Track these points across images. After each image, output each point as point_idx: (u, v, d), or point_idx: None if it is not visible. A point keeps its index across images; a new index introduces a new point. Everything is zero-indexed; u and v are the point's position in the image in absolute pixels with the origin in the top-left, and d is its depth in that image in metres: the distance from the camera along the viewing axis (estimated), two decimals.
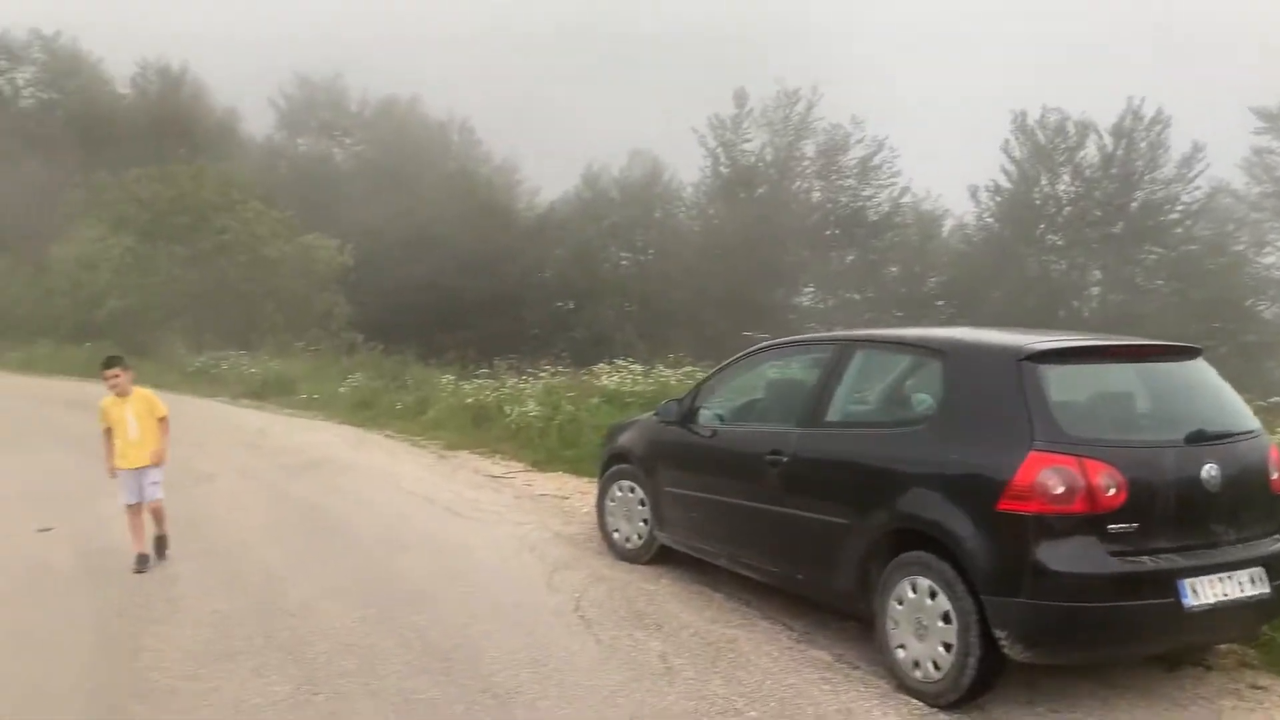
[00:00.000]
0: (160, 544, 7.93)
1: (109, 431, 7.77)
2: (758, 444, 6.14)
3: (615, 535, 7.66)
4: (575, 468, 11.41)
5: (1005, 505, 4.61)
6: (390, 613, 6.59)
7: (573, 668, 5.55)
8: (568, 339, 28.14)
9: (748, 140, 41.80)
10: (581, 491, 10.31)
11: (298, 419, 16.50)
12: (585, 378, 14.70)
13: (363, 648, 5.98)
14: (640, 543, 7.40)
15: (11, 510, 10.13)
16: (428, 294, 36.76)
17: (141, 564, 7.66)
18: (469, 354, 18.13)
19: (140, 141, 37.42)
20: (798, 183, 42.33)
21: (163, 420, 7.87)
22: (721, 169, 42.39)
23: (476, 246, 39.65)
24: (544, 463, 11.79)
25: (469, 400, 14.86)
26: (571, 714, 4.95)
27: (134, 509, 7.78)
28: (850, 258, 42.47)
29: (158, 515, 7.91)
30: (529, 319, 39.11)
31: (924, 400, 5.58)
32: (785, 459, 5.83)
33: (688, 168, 45.00)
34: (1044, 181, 41.30)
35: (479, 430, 13.80)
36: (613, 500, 7.68)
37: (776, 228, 39.95)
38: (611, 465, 7.80)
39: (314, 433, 15.02)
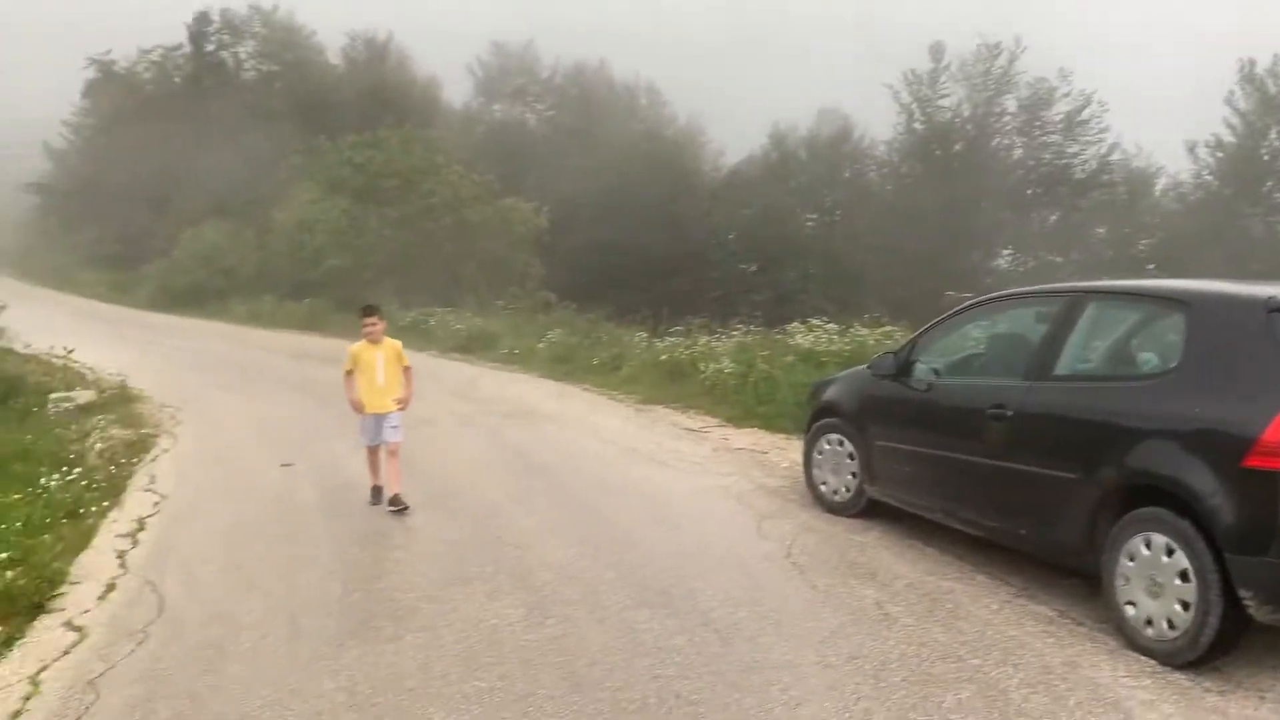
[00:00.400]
0: (393, 499, 8.00)
1: (351, 374, 8.31)
2: (978, 398, 6.06)
3: (822, 488, 7.71)
4: (770, 424, 11.48)
5: (1253, 461, 4.42)
6: (605, 550, 6.90)
7: (789, 609, 5.68)
8: (750, 301, 28.02)
9: (945, 95, 40.32)
10: (779, 447, 10.38)
11: (501, 372, 17.23)
12: (778, 337, 14.69)
13: (584, 580, 6.29)
14: (848, 496, 7.43)
15: (254, 448, 11.08)
16: (613, 256, 37.44)
17: (375, 496, 8.26)
18: (660, 313, 18.39)
19: (351, 110, 39.49)
20: (997, 139, 40.51)
21: (407, 370, 8.43)
22: (916, 126, 41.06)
23: (662, 208, 40.02)
24: (739, 419, 11.91)
25: (663, 357, 15.13)
26: (791, 651, 5.07)
27: (371, 450, 8.38)
28: (1053, 218, 40.44)
29: (394, 459, 8.22)
30: (711, 281, 39.18)
31: (1162, 353, 5.38)
32: (1009, 413, 5.73)
33: (880, 125, 43.89)
34: (1273, 135, 38.13)
35: (673, 386, 14.04)
36: (820, 453, 7.72)
37: (973, 187, 38.48)
38: (819, 419, 7.83)
39: (518, 385, 15.66)
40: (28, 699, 4.96)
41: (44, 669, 5.30)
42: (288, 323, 25.79)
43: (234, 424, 12.58)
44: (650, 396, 13.68)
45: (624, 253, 37.69)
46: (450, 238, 27.30)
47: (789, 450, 10.12)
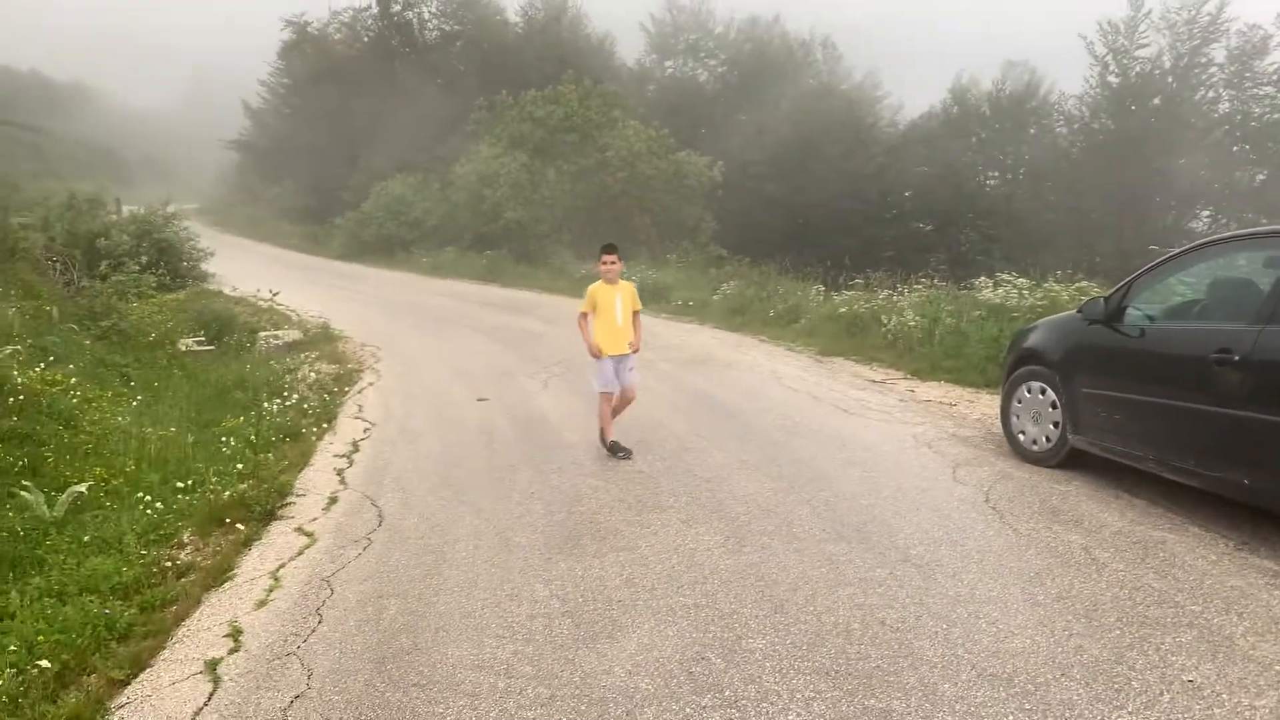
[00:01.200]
0: (614, 448, 8.03)
1: (586, 315, 8.22)
2: (1200, 343, 5.77)
3: (1020, 437, 7.52)
4: (958, 378, 11.23)
5: None
6: (797, 487, 6.95)
7: (991, 549, 5.61)
8: (926, 261, 27.20)
9: (1143, 45, 37.72)
10: (968, 400, 10.16)
11: (676, 323, 17.39)
12: (965, 291, 14.27)
13: (778, 513, 6.37)
14: (1048, 446, 7.22)
15: (450, 384, 11.59)
16: (785, 213, 37.07)
17: (615, 451, 7.99)
18: (836, 268, 18.15)
19: (529, 69, 40.29)
20: (1201, 92, 37.70)
21: (637, 314, 8.29)
22: (1111, 78, 38.63)
23: (836, 165, 39.28)
24: (924, 372, 11.69)
25: (841, 310, 14.94)
26: (997, 588, 5.02)
27: (606, 398, 8.15)
28: (1261, 177, 37.51)
29: (628, 405, 8.29)
30: (885, 241, 38.22)
31: None
32: (1236, 358, 5.44)
33: (1069, 79, 41.66)
34: None
35: (853, 339, 13.87)
36: (1019, 402, 7.52)
37: (1172, 143, 36.08)
38: (1019, 367, 7.61)
39: (694, 335, 15.79)
40: (271, 590, 5.42)
41: (282, 566, 5.78)
42: (468, 273, 26.73)
43: (430, 362, 13.18)
44: (829, 348, 13.57)
45: (795, 209, 37.29)
46: (625, 191, 27.61)
47: (979, 404, 9.91)
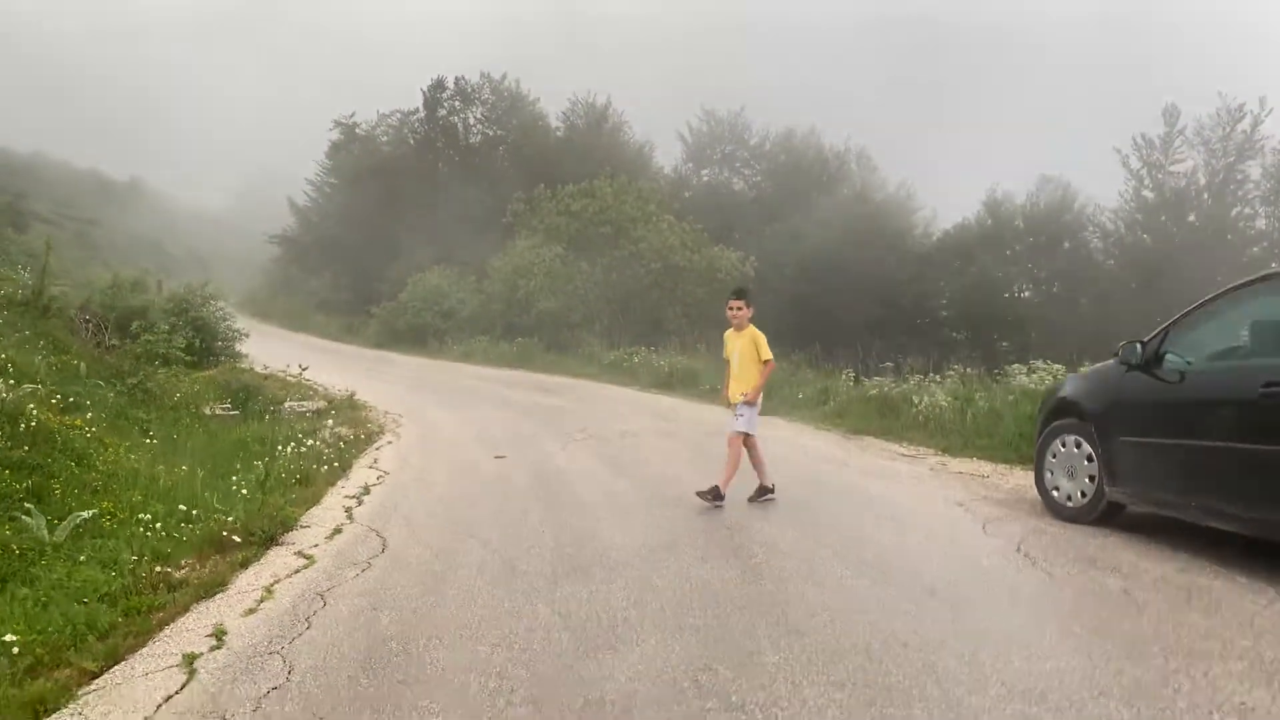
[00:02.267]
0: (760, 491, 7.88)
1: (728, 361, 8.15)
2: (1245, 380, 5.50)
3: (1055, 494, 7.18)
4: (991, 454, 10.88)
5: None
6: (819, 534, 6.66)
7: (1022, 590, 5.28)
8: (956, 352, 26.79)
9: (1178, 161, 37.90)
10: (1000, 473, 9.81)
11: (701, 405, 17.18)
12: (999, 375, 14.00)
13: (798, 555, 6.08)
14: (1084, 501, 6.88)
15: (470, 445, 11.42)
16: (817, 313, 37.01)
17: (716, 495, 7.62)
18: (867, 358, 17.96)
19: (569, 172, 41.11)
20: (1237, 209, 37.70)
21: (767, 364, 7.94)
22: (1146, 193, 38.75)
23: (869, 270, 39.37)
24: (956, 449, 11.35)
25: (872, 392, 14.68)
26: (1030, 621, 4.69)
27: (734, 440, 7.93)
28: None
29: (734, 446, 7.88)
30: (917, 347, 37.99)
31: None
32: None
33: (1104, 193, 41.77)
34: None
35: (883, 420, 13.56)
36: (1054, 457, 7.21)
37: (1209, 259, 35.91)
38: (1053, 420, 7.33)
39: (719, 414, 15.52)
40: (262, 601, 5.19)
41: (276, 582, 5.55)
42: (499, 360, 26.77)
43: (451, 428, 13.04)
44: (858, 428, 13.29)
45: (828, 311, 37.23)
46: (656, 283, 27.73)
47: (1012, 477, 9.56)
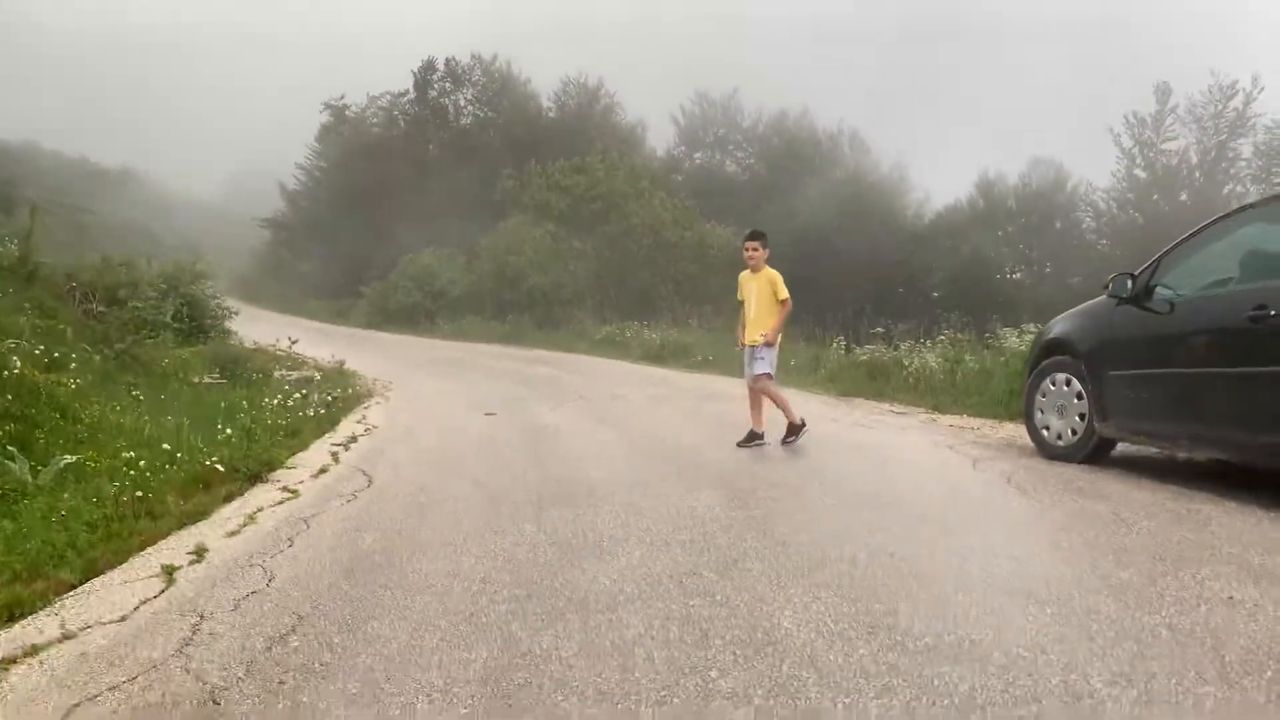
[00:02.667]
0: (790, 430, 7.89)
1: (743, 304, 8.06)
2: (1234, 306, 5.46)
3: (1044, 433, 7.16)
4: (980, 411, 10.86)
5: None
6: (809, 470, 6.65)
7: (1011, 513, 5.26)
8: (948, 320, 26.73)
9: (1170, 139, 37.89)
10: (990, 426, 9.78)
11: (694, 374, 17.15)
12: (989, 340, 13.98)
13: (787, 485, 6.06)
14: (1074, 440, 6.86)
15: (458, 405, 11.38)
16: (810, 293, 36.93)
17: (749, 439, 7.74)
18: (860, 319, 17.92)
19: (561, 153, 40.98)
20: (1229, 187, 37.70)
21: (784, 303, 7.85)
22: (1138, 172, 38.76)
23: (862, 251, 39.32)
24: (945, 406, 11.32)
25: (863, 358, 14.67)
26: (1018, 539, 4.67)
27: (757, 384, 7.92)
28: None
29: (755, 393, 7.94)
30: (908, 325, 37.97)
31: None
32: (1273, 313, 5.13)
33: (1097, 174, 41.78)
34: None
35: (874, 383, 13.54)
36: (1044, 396, 7.18)
37: None
38: (1044, 359, 7.30)
39: (711, 382, 15.52)
40: (244, 526, 5.14)
41: (259, 511, 5.51)
42: (489, 338, 26.72)
43: (440, 393, 13.00)
44: (849, 390, 13.26)
45: (820, 291, 37.17)
46: (648, 259, 27.69)
47: (1001, 429, 9.53)
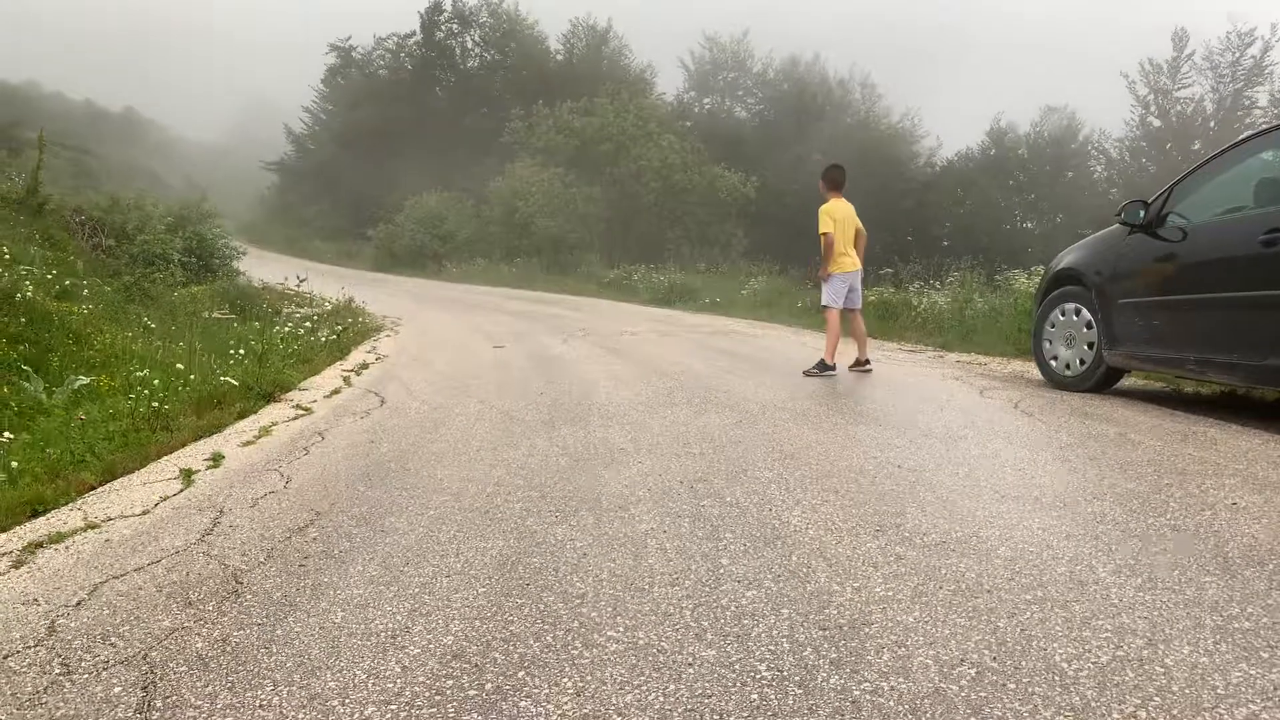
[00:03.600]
0: (859, 361, 8.32)
1: (827, 235, 8.16)
2: (1247, 231, 5.46)
3: (1053, 363, 7.19)
4: (988, 349, 10.88)
5: None
6: (814, 396, 6.66)
7: (1017, 433, 5.29)
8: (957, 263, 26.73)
9: (1185, 87, 37.40)
10: (998, 362, 9.81)
11: (702, 314, 17.18)
12: (999, 279, 13.96)
13: (793, 409, 6.08)
14: (1081, 369, 6.88)
15: (468, 337, 11.42)
16: (818, 239, 36.74)
17: (820, 368, 7.95)
18: (868, 267, 17.87)
19: (568, 96, 40.63)
20: (1244, 135, 37.23)
21: (822, 236, 8.19)
22: (1152, 120, 38.32)
23: (872, 197, 39.03)
24: (954, 344, 11.36)
25: (871, 299, 14.64)
26: (1024, 452, 4.70)
27: (832, 313, 8.33)
28: None
29: (858, 318, 8.52)
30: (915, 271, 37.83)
31: None
32: None
33: (1110, 122, 41.38)
34: None
35: (883, 323, 13.54)
36: (1052, 326, 7.20)
37: None
38: (1053, 290, 7.30)
39: (719, 320, 15.58)
40: (259, 437, 5.21)
41: (274, 425, 5.57)
42: (498, 281, 26.72)
43: (449, 327, 13.05)
44: None
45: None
46: (657, 202, 27.57)
47: (1010, 365, 9.57)
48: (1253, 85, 36.63)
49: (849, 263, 8.26)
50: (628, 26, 50.01)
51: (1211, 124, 37.58)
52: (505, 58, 48.10)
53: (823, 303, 8.40)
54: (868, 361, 8.31)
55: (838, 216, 8.15)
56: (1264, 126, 5.98)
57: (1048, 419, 5.70)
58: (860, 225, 8.34)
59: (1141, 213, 6.40)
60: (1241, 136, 6.09)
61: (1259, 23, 36.33)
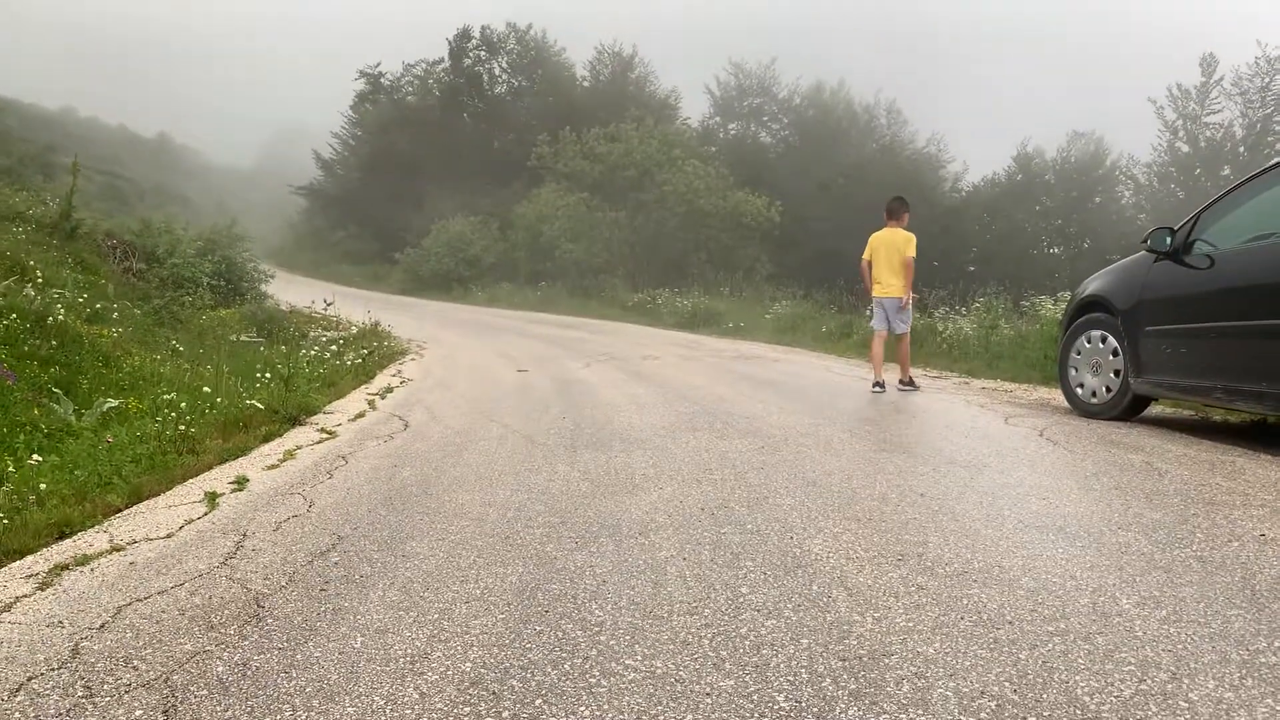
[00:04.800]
0: (905, 380, 8.94)
1: (867, 262, 9.05)
2: (1275, 256, 5.42)
3: (1079, 391, 7.13)
4: (1015, 375, 10.82)
5: None
6: (838, 421, 6.64)
7: (1042, 461, 5.25)
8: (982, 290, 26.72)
9: (1214, 112, 37.15)
10: (1024, 389, 9.74)
11: (725, 339, 17.18)
12: (1025, 306, 13.89)
13: (817, 435, 6.05)
14: (1107, 397, 6.83)
15: (492, 361, 11.48)
16: (844, 263, 36.74)
17: (877, 388, 8.62)
18: None
19: (594, 122, 40.91)
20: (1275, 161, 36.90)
21: (907, 261, 8.76)
22: (1181, 145, 38.08)
23: None
24: (979, 371, 11.30)
25: None
26: (1049, 481, 4.66)
27: (879, 336, 9.06)
28: None
29: (902, 343, 9.09)
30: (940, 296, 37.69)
31: None
32: None
33: (1137, 147, 41.19)
34: None
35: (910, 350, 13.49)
36: (1078, 354, 7.15)
37: None
38: (1079, 317, 7.26)
39: (742, 344, 15.58)
40: (284, 460, 5.25)
41: (299, 448, 5.61)
42: (523, 305, 26.88)
43: (473, 351, 13.12)
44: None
45: (852, 263, 36.96)
46: (682, 226, 27.66)
47: (1035, 392, 9.50)
48: None
49: (878, 289, 8.88)
50: (655, 53, 50.19)
51: (1241, 149, 37.29)
52: (532, 84, 48.48)
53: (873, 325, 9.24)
54: (907, 382, 8.92)
55: (874, 245, 8.93)
56: None
57: (1073, 447, 5.65)
58: (907, 254, 8.74)
59: (1168, 239, 6.36)
60: (1271, 163, 6.04)
61: None
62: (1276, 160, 6.01)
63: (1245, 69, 36.63)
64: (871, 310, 9.17)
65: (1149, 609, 2.78)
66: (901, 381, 8.91)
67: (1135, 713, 2.10)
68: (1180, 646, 2.49)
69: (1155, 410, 7.26)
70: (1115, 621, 2.68)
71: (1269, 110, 36.44)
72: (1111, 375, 6.80)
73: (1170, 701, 2.15)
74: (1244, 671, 2.32)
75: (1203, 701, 2.16)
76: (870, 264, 8.96)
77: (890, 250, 8.76)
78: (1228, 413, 7.08)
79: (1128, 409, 6.71)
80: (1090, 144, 43.67)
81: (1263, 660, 2.39)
